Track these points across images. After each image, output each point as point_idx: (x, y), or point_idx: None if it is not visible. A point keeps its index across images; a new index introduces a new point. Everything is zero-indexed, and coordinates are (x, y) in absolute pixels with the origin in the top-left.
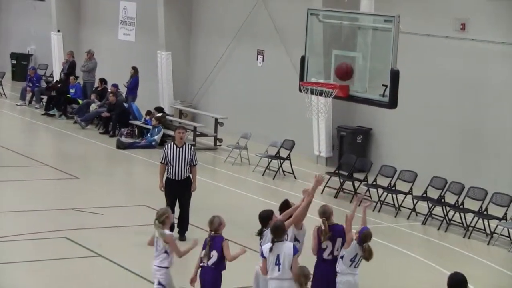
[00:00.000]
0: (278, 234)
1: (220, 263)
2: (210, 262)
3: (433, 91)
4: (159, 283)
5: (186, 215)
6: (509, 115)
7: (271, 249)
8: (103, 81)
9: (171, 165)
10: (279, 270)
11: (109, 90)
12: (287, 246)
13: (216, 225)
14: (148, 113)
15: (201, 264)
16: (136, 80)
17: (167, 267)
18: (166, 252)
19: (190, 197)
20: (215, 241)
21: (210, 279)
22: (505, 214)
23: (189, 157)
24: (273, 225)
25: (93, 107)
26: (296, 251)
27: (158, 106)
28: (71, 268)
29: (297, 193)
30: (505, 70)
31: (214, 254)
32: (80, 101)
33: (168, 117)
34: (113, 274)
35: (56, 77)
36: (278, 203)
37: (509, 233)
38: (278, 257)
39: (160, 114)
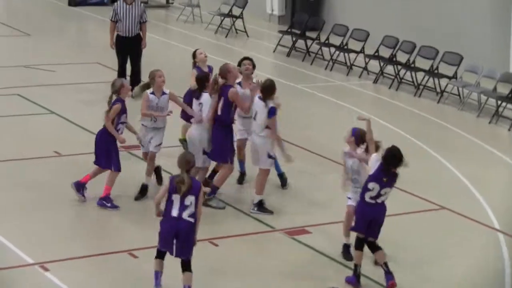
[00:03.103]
0: (265, 94)
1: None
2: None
3: None
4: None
5: (137, 70)
6: None
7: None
8: None
9: (121, 22)
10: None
11: None
12: (263, 106)
13: (116, 86)
14: None
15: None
16: None
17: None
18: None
19: (141, 53)
20: (114, 104)
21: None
22: (455, 72)
23: (138, 13)
24: (263, 83)
25: None
26: (272, 113)
27: None
28: (24, 124)
29: (249, 51)
30: None
31: None
32: None
33: None
34: (65, 130)
35: None
36: (231, 61)
37: (458, 92)
38: (256, 113)
39: None
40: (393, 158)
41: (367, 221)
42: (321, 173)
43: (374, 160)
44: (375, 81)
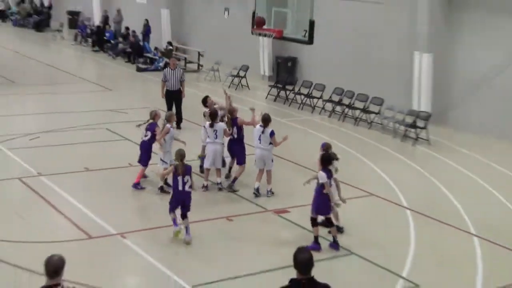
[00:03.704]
0: (265, 123)
1: (152, 140)
2: (146, 138)
3: (337, 32)
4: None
5: (179, 112)
6: (389, 45)
7: (263, 132)
8: (127, 28)
9: (168, 81)
10: (260, 143)
11: (130, 34)
12: (267, 131)
13: (152, 115)
14: (155, 48)
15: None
16: (149, 28)
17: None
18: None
19: (182, 101)
20: (151, 125)
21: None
22: (379, 110)
23: (179, 75)
24: (263, 116)
25: (120, 45)
26: (272, 134)
27: (169, 41)
28: (108, 147)
29: (250, 98)
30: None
31: (149, 134)
32: (112, 42)
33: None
34: (134, 150)
35: (97, 24)
36: (239, 105)
37: (381, 122)
38: (260, 136)
39: (169, 48)
40: (326, 160)
41: (327, 205)
42: (297, 175)
43: (322, 173)
44: (329, 116)
